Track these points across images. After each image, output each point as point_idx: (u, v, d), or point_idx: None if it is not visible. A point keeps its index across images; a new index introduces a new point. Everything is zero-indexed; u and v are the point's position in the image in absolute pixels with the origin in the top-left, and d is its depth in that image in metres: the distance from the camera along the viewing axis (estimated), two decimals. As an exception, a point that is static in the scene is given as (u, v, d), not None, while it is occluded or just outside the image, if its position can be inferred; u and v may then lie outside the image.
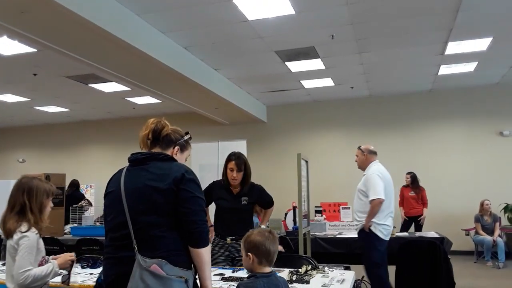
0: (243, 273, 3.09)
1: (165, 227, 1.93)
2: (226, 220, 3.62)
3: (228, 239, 3.57)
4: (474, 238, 7.93)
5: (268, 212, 3.90)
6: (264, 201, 3.87)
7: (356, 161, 4.66)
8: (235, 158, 3.62)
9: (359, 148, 4.67)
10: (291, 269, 3.04)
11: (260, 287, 2.05)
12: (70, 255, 2.49)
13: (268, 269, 2.14)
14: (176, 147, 2.17)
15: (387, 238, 4.37)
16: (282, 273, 3.01)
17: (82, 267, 3.34)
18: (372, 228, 4.27)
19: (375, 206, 4.22)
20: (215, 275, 2.98)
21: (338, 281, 2.80)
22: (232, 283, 2.77)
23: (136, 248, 1.87)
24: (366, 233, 4.32)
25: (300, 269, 3.01)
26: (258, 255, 2.11)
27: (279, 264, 3.34)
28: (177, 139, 2.18)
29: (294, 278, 2.82)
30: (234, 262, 3.56)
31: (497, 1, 5.03)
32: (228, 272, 3.13)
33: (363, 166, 4.57)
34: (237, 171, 3.59)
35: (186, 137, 2.24)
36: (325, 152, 9.25)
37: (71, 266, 2.50)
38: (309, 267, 3.05)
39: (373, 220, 4.26)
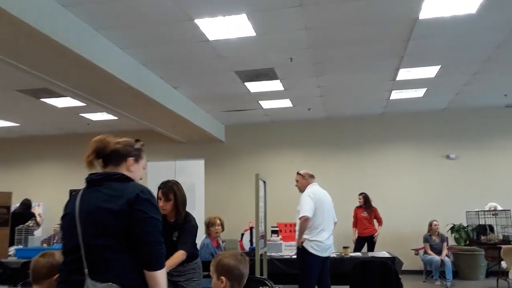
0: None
1: (117, 249, 1.87)
2: None
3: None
4: (423, 258, 8.20)
5: (175, 256, 3.18)
6: (182, 236, 3.34)
7: (296, 185, 5.01)
8: (162, 186, 3.43)
9: (298, 173, 5.03)
10: (248, 292, 3.02)
11: None
12: None
13: None
14: (130, 159, 2.08)
15: (321, 254, 4.66)
16: (239, 295, 2.98)
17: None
18: (305, 244, 4.65)
19: (302, 223, 4.65)
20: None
21: (295, 303, 2.80)
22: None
23: (86, 271, 1.82)
24: (300, 249, 4.71)
25: (257, 291, 3.00)
26: (231, 279, 2.10)
27: (236, 286, 3.31)
28: (128, 151, 2.08)
29: (251, 300, 2.80)
30: (177, 286, 3.45)
31: (446, 32, 5.37)
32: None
33: (303, 189, 4.93)
34: (164, 200, 3.36)
35: (137, 146, 2.13)
36: (282, 172, 9.34)
37: None
38: (266, 289, 3.04)
39: (305, 236, 4.65)
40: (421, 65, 6.56)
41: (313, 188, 4.85)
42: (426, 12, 4.81)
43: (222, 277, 2.09)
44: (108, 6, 4.55)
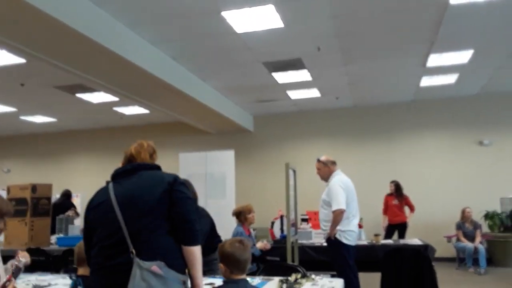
0: (234, 282, 3.15)
1: (160, 231, 2.00)
2: None
3: None
4: (455, 245, 8.11)
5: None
6: None
7: (318, 173, 4.83)
8: None
9: (319, 160, 4.83)
10: (280, 278, 3.11)
11: None
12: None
13: (240, 277, 2.28)
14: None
15: (354, 244, 4.60)
16: (272, 281, 3.08)
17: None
18: (338, 236, 4.51)
19: (337, 216, 4.46)
20: (206, 284, 3.02)
21: (327, 289, 2.87)
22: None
23: (134, 251, 1.91)
24: (332, 241, 4.56)
25: (289, 278, 3.08)
26: (228, 265, 2.27)
27: (269, 273, 3.42)
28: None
29: (284, 286, 2.89)
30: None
31: (478, 14, 5.22)
32: (218, 282, 3.17)
33: (326, 177, 4.76)
34: None
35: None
36: (310, 161, 9.21)
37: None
38: (299, 276, 3.12)
39: (338, 227, 4.49)
40: (453, 50, 6.42)
41: (341, 177, 4.71)
42: (457, -3, 4.72)
43: (221, 264, 2.29)
44: (137, 2, 4.67)
